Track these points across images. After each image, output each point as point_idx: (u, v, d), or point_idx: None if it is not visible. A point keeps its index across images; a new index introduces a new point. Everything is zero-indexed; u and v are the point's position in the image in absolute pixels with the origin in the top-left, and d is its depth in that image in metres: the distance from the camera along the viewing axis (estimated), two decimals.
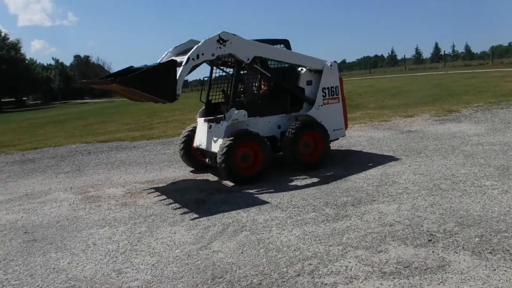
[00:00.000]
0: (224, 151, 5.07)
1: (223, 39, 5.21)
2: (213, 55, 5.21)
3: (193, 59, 5.05)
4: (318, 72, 6.09)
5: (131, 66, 5.96)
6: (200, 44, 5.15)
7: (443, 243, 3.16)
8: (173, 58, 5.40)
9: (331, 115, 6.12)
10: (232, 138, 5.13)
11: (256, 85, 6.49)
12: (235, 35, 5.36)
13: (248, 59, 5.43)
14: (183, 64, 4.99)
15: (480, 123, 8.29)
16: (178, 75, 4.89)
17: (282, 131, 5.79)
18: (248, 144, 5.25)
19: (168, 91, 4.77)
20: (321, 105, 6.06)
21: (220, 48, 5.21)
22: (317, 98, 6.03)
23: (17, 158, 9.12)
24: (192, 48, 5.33)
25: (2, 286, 3.13)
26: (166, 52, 5.93)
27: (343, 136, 6.52)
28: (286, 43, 6.08)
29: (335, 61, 6.27)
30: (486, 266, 2.78)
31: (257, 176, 5.35)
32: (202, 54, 5.12)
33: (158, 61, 5.83)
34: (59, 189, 5.98)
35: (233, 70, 6.02)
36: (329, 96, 6.13)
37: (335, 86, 6.19)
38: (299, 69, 6.19)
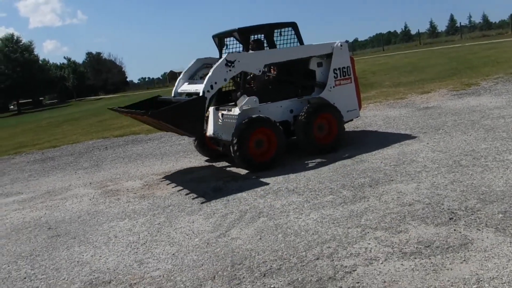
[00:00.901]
0: (237, 139, 5.06)
1: (230, 61, 5.23)
2: (225, 80, 5.28)
3: (208, 91, 5.13)
4: (329, 55, 5.97)
5: (159, 96, 6.25)
6: (210, 74, 5.19)
7: (465, 221, 3.08)
8: (189, 86, 5.79)
9: (344, 96, 6.01)
10: (244, 125, 5.10)
11: (266, 70, 6.41)
12: (240, 52, 5.40)
13: (260, 71, 5.47)
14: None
15: (501, 95, 8.00)
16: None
17: (295, 115, 5.72)
18: (260, 130, 5.22)
19: (196, 126, 4.96)
20: (333, 87, 5.94)
21: (230, 70, 5.26)
22: (329, 79, 5.91)
23: (37, 157, 9.35)
24: (201, 69, 5.71)
25: (30, 280, 3.23)
26: (178, 79, 6.14)
27: (358, 117, 6.40)
28: (294, 26, 5.94)
29: (346, 41, 6.13)
30: (510, 242, 2.70)
31: (271, 162, 5.32)
32: (215, 83, 5.20)
33: (174, 88, 6.11)
34: (79, 185, 6.11)
35: None
36: (340, 77, 6.00)
37: (346, 67, 6.05)
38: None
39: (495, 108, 6.93)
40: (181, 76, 6.16)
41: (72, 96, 63.33)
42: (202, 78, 6.00)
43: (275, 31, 6.20)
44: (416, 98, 9.30)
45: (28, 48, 54.48)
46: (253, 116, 5.27)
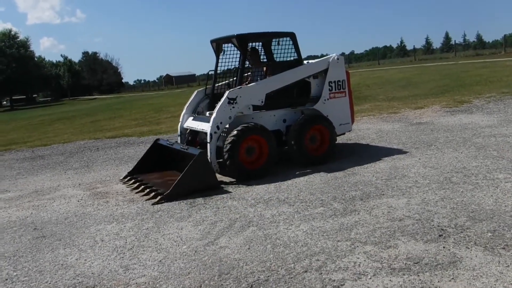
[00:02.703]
0: (228, 147, 5.05)
1: (232, 98, 5.31)
2: (230, 118, 5.33)
3: (215, 132, 5.23)
4: (325, 70, 6.01)
5: (158, 139, 6.17)
6: (214, 115, 5.28)
7: (454, 238, 3.09)
8: (194, 123, 5.85)
9: (338, 109, 6.03)
10: (236, 132, 5.09)
11: (261, 78, 6.43)
12: (240, 87, 5.45)
13: (261, 101, 5.53)
14: (207, 141, 5.23)
15: (492, 114, 8.11)
16: (208, 152, 5.18)
17: (288, 125, 5.73)
18: (252, 137, 5.21)
19: (211, 180, 4.95)
20: (328, 99, 5.97)
21: (233, 107, 5.34)
22: (324, 91, 5.94)
23: (27, 155, 9.22)
24: (202, 100, 6.00)
25: (12, 282, 3.15)
26: (182, 114, 6.21)
27: (350, 130, 6.42)
28: (292, 36, 5.95)
29: (342, 53, 6.20)
30: (499, 262, 2.71)
31: (263, 170, 5.30)
32: (221, 122, 5.27)
33: (180, 124, 6.17)
34: (68, 186, 6.03)
35: (238, 63, 5.98)
36: (335, 90, 6.04)
37: (341, 80, 6.09)
38: (305, 62, 6.11)
39: (486, 126, 7.01)
40: (184, 110, 6.21)
41: (66, 94, 62.88)
42: (205, 111, 6.12)
43: (273, 40, 6.22)
44: (409, 113, 9.39)
45: (24, 44, 54.14)
46: (246, 123, 5.26)
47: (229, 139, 5.07)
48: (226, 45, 6.20)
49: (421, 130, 7.30)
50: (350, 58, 43.73)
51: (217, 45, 6.20)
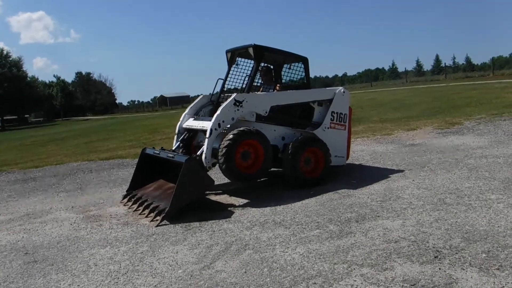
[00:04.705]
0: (224, 151, 5.05)
1: (239, 100, 5.38)
2: (233, 119, 5.38)
3: (215, 129, 5.26)
4: (330, 100, 6.16)
5: (144, 148, 6.11)
6: (218, 112, 5.32)
7: (449, 260, 3.10)
8: (194, 122, 5.84)
9: (336, 140, 6.12)
10: (232, 136, 5.10)
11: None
12: (248, 93, 5.54)
13: (266, 112, 5.61)
14: (207, 136, 5.23)
15: (483, 135, 8.25)
16: (205, 147, 5.18)
17: (285, 143, 5.78)
18: (248, 142, 5.22)
19: (206, 181, 4.96)
20: (328, 128, 6.08)
21: (238, 109, 5.39)
22: (325, 119, 6.06)
23: (18, 177, 9.11)
24: (206, 105, 5.96)
25: None
26: (183, 114, 6.24)
27: (343, 164, 6.42)
28: (305, 61, 6.14)
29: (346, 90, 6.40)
30: (494, 283, 2.72)
31: (258, 175, 5.34)
32: (223, 121, 5.31)
33: (179, 123, 6.17)
34: (60, 208, 5.95)
35: (250, 72, 6.10)
36: (337, 121, 6.17)
37: (344, 113, 6.24)
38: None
39: (478, 147, 7.13)
40: (186, 111, 6.25)
41: (59, 115, 62.72)
42: (207, 115, 6.13)
43: (285, 64, 6.34)
44: (402, 134, 9.52)
45: (17, 64, 54.27)
46: (243, 127, 5.28)
47: (225, 143, 5.07)
48: (240, 59, 6.32)
49: (414, 152, 7.39)
50: (343, 80, 44.47)
51: (232, 55, 6.30)
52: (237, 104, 5.36)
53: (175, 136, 6.20)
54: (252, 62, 6.16)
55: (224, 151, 5.05)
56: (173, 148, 5.98)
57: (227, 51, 6.34)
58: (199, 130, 5.83)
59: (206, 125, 5.39)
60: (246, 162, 5.27)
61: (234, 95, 5.44)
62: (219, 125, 5.26)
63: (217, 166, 5.39)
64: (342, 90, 6.25)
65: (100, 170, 8.90)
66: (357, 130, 10.78)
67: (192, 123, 5.98)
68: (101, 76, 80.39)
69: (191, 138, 6.11)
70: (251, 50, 5.79)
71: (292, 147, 5.55)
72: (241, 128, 5.23)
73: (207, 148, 5.20)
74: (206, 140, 5.23)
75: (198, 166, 5.02)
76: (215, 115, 5.31)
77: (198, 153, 5.32)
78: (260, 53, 5.80)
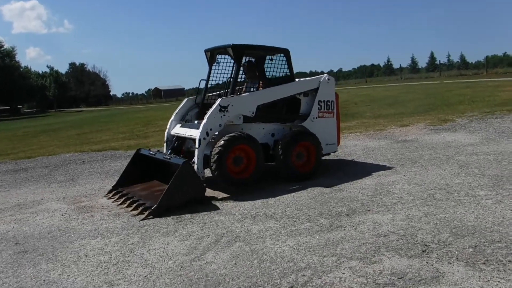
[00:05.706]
0: (215, 157, 5.06)
1: (224, 106, 5.34)
2: (220, 125, 5.34)
3: (204, 138, 5.22)
4: (316, 89, 6.11)
5: (139, 149, 6.04)
6: (205, 121, 5.27)
7: (437, 254, 3.15)
8: (182, 130, 5.78)
9: (325, 128, 6.13)
10: (223, 142, 5.10)
11: (254, 90, 6.49)
12: (232, 96, 5.52)
13: (252, 113, 5.58)
14: (196, 146, 5.19)
15: (475, 132, 8.34)
16: (196, 158, 5.14)
17: (276, 139, 5.78)
18: (240, 147, 5.23)
19: (197, 188, 4.93)
20: (316, 118, 6.07)
21: (224, 115, 5.35)
22: (313, 110, 6.04)
23: (10, 167, 9.04)
24: (191, 108, 5.93)
25: None
26: (170, 121, 6.19)
27: (335, 151, 6.48)
28: (286, 53, 6.03)
29: (330, 70, 6.39)
30: (479, 277, 2.77)
31: (251, 179, 5.33)
32: (211, 129, 5.28)
33: (167, 131, 6.13)
34: (51, 199, 5.92)
35: (231, 73, 6.04)
36: (324, 109, 6.15)
37: (331, 101, 6.22)
38: (297, 79, 6.22)
39: (469, 144, 7.20)
40: (172, 117, 6.19)
41: (52, 106, 62.08)
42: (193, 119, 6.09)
43: (267, 57, 6.29)
44: (395, 130, 9.58)
45: (9, 54, 53.51)
46: (234, 132, 5.28)
47: (216, 149, 5.08)
48: (220, 56, 6.26)
49: (406, 148, 7.45)
50: (338, 76, 44.55)
51: (211, 54, 6.23)
52: (223, 109, 5.32)
53: (165, 144, 6.16)
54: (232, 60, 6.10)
55: (215, 158, 5.05)
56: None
57: (205, 51, 6.26)
58: (188, 138, 5.80)
59: (194, 133, 5.34)
60: (238, 167, 5.28)
61: (218, 100, 5.37)
62: (207, 133, 5.23)
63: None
64: (326, 78, 6.19)
65: (92, 162, 8.85)
66: (350, 125, 10.82)
67: (179, 131, 5.92)
68: (95, 68, 79.54)
69: (181, 144, 6.08)
70: (230, 51, 5.73)
71: (283, 143, 5.56)
72: (232, 134, 5.22)
73: (198, 159, 5.16)
74: (196, 150, 5.19)
75: (194, 170, 5.02)
76: (202, 124, 5.25)
77: (192, 161, 5.32)
78: (239, 53, 5.74)
